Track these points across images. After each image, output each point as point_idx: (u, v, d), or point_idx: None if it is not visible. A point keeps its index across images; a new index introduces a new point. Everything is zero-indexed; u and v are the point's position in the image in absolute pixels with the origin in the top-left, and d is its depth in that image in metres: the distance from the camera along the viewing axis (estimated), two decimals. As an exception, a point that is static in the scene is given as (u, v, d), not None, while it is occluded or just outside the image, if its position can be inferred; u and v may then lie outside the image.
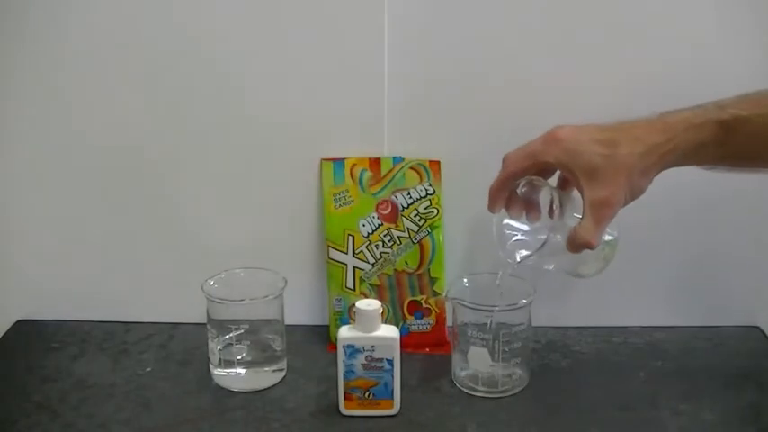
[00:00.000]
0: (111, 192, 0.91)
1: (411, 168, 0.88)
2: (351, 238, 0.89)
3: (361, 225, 0.89)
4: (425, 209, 0.88)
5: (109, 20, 0.85)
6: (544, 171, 0.72)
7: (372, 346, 0.75)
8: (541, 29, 0.84)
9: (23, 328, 0.95)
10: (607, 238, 0.72)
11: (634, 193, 0.69)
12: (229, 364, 0.83)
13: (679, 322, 0.95)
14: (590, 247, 0.68)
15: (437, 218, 0.89)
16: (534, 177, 0.72)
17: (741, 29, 0.83)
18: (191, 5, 0.84)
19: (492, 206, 0.74)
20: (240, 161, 0.90)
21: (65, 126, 0.89)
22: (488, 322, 0.79)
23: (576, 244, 0.68)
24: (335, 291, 0.90)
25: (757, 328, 0.95)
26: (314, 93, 0.87)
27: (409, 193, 0.88)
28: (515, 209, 0.74)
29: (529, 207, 0.75)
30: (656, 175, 0.69)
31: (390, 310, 0.90)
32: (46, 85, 0.87)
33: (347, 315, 0.90)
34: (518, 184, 0.72)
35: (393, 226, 0.89)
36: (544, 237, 0.70)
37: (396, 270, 0.89)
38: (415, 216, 0.88)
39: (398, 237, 0.89)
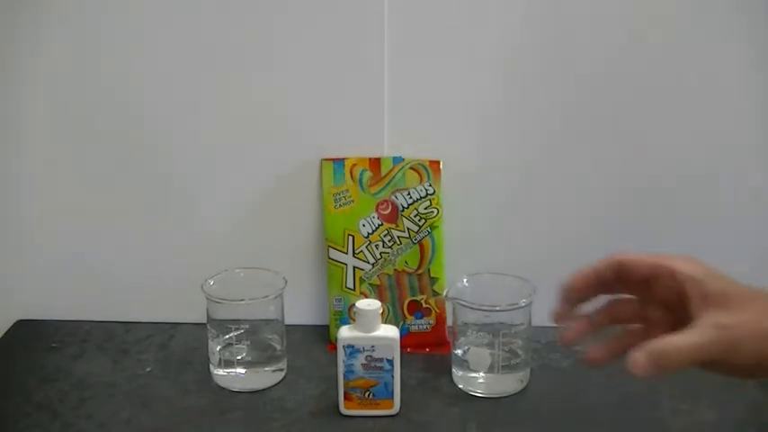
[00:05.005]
0: (110, 192, 0.91)
1: (411, 168, 0.88)
2: (351, 238, 0.89)
3: (361, 225, 0.89)
4: (425, 209, 0.88)
5: (109, 20, 0.85)
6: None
7: (372, 346, 0.75)
8: (542, 29, 0.84)
9: (23, 328, 0.95)
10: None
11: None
12: (229, 364, 0.83)
13: (679, 322, 0.95)
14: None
15: (437, 218, 0.89)
16: None
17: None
18: (189, 8, 0.84)
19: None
20: (240, 161, 0.90)
21: (64, 130, 0.89)
22: (488, 322, 0.79)
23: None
24: (335, 291, 0.90)
25: (757, 328, 0.95)
26: (314, 93, 0.87)
27: (409, 193, 0.88)
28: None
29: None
30: None
31: (390, 310, 0.90)
32: (43, 86, 0.87)
33: (347, 315, 0.90)
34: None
35: (393, 226, 0.89)
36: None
37: (396, 270, 0.89)
38: (415, 216, 0.88)
39: (398, 237, 0.89)
